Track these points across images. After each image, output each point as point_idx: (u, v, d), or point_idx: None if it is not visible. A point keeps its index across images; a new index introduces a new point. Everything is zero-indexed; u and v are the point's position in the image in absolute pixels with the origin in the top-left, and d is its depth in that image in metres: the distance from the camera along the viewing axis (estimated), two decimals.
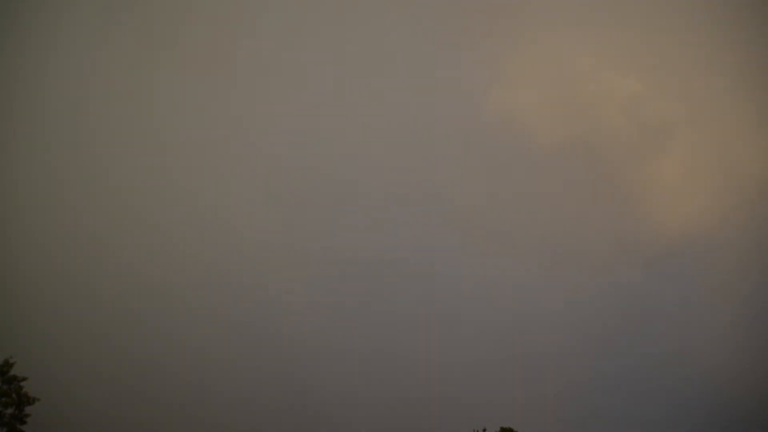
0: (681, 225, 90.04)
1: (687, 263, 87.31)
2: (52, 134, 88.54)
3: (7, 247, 79.78)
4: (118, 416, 69.28)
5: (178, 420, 70.70)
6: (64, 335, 73.18)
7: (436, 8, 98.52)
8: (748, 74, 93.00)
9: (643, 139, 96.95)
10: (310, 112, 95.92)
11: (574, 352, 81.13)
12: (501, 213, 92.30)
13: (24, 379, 50.81)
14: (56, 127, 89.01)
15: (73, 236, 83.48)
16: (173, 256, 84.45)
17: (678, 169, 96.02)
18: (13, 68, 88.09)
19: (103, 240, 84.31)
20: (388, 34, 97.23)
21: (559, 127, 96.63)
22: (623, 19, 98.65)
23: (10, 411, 50.13)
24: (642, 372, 79.93)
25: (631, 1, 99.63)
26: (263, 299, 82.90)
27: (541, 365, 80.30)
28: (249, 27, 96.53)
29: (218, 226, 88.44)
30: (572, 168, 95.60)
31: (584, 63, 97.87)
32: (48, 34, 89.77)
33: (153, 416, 70.24)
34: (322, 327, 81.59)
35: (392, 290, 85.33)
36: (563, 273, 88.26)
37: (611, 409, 75.46)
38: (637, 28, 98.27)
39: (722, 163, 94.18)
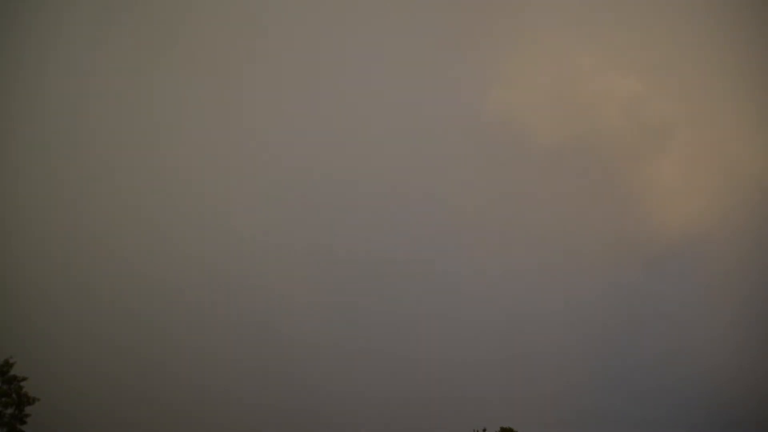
0: (681, 225, 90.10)
1: (687, 263, 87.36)
2: (52, 134, 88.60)
3: (7, 247, 79.83)
4: (119, 416, 69.32)
5: (178, 420, 70.72)
6: (64, 335, 73.22)
7: (436, 8, 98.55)
8: (748, 74, 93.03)
9: (643, 139, 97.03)
10: (310, 112, 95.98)
11: (573, 352, 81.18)
12: (501, 213, 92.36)
13: (24, 379, 50.79)
14: (56, 127, 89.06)
15: (73, 236, 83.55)
16: (173, 256, 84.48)
17: (678, 169, 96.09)
18: (13, 68, 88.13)
19: (103, 240, 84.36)
20: (388, 34, 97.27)
21: (559, 127, 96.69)
22: (623, 19, 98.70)
23: (10, 411, 50.12)
24: (642, 372, 79.99)
25: (631, 1, 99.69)
26: (263, 299, 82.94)
27: (540, 365, 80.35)
28: (249, 27, 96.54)
29: (218, 225, 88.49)
30: (572, 168, 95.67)
31: (584, 63, 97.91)
32: (48, 34, 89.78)
33: (153, 416, 70.28)
34: (322, 327, 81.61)
35: (392, 290, 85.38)
36: (563, 273, 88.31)
37: (611, 409, 75.49)
38: (637, 28, 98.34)
39: (722, 163, 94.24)
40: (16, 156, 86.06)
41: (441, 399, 75.32)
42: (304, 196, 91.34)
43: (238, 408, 74.00)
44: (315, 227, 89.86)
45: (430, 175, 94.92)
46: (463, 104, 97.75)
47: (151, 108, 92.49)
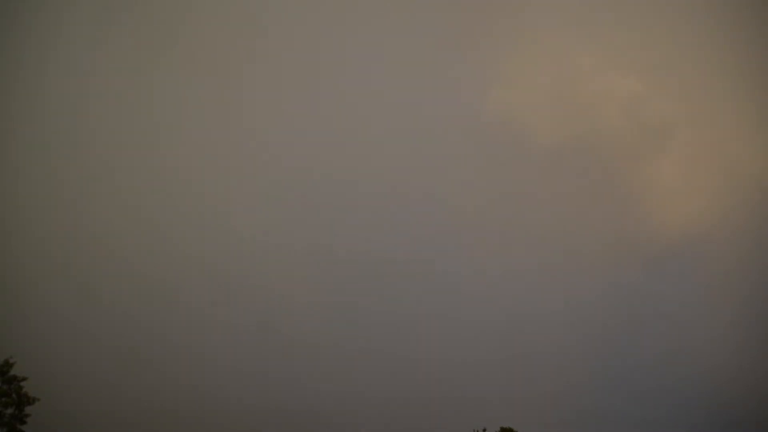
0: (681, 225, 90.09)
1: (687, 263, 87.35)
2: (52, 134, 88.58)
3: (7, 247, 79.82)
4: (119, 416, 69.32)
5: (178, 420, 70.72)
6: (64, 335, 73.20)
7: (436, 8, 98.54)
8: (748, 74, 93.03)
9: (643, 139, 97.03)
10: (310, 112, 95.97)
11: (573, 352, 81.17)
12: (501, 213, 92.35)
13: (24, 379, 50.84)
14: (56, 127, 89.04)
15: (73, 236, 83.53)
16: (173, 256, 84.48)
17: (678, 169, 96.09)
18: (13, 68, 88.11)
19: (103, 240, 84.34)
20: (388, 34, 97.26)
21: (559, 127, 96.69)
22: (623, 19, 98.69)
23: (10, 411, 50.16)
24: (642, 372, 79.98)
25: (631, 1, 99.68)
26: (263, 299, 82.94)
27: (540, 365, 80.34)
28: (249, 27, 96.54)
29: (218, 225, 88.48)
30: (572, 168, 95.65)
31: (584, 63, 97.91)
32: (48, 34, 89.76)
33: (153, 416, 70.28)
34: (322, 327, 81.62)
35: (392, 290, 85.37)
36: (563, 273, 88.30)
37: (611, 409, 75.48)
38: (637, 28, 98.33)
39: (722, 163, 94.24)
40: (16, 156, 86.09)
41: (441, 399, 75.34)
42: (304, 196, 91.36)
43: (238, 408, 73.99)
44: (315, 227, 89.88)
45: (430, 175, 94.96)
46: (463, 104, 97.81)
47: (151, 108, 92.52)
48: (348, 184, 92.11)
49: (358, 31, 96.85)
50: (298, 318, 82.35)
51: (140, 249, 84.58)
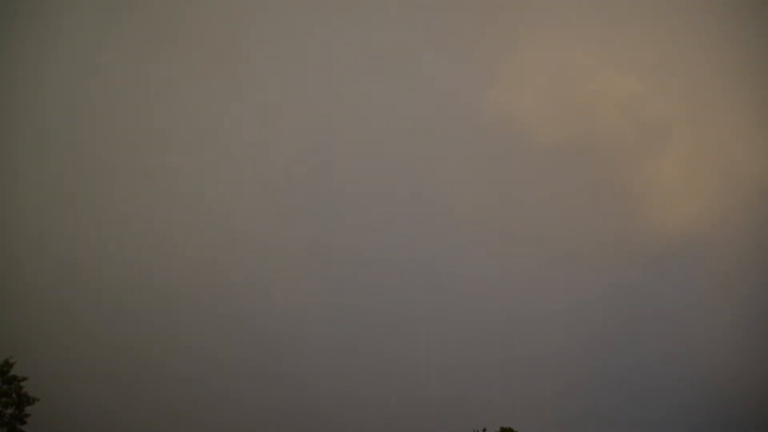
0: (681, 225, 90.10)
1: (687, 263, 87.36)
2: (52, 134, 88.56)
3: (7, 247, 79.82)
4: (119, 416, 69.32)
5: (178, 420, 70.73)
6: (63, 335, 73.22)
7: (436, 8, 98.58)
8: (748, 74, 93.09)
9: (643, 139, 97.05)
10: (310, 113, 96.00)
11: (573, 352, 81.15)
12: (501, 213, 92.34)
13: (24, 379, 50.86)
14: (56, 127, 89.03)
15: (74, 236, 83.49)
16: (173, 255, 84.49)
17: (678, 169, 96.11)
18: (13, 68, 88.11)
19: (103, 240, 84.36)
20: (388, 34, 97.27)
21: (559, 127, 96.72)
22: (623, 18, 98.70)
23: (10, 411, 50.17)
24: (642, 372, 79.96)
25: (631, 1, 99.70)
26: (263, 299, 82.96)
27: (540, 365, 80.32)
28: (249, 27, 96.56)
29: (218, 225, 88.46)
30: (572, 168, 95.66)
31: (584, 63, 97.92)
32: (48, 34, 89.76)
33: (153, 416, 70.31)
34: (322, 327, 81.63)
35: (392, 290, 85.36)
36: (563, 273, 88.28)
37: (611, 409, 75.48)
38: (637, 28, 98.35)
39: (722, 163, 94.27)
40: (16, 156, 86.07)
41: (441, 399, 75.34)
42: (304, 196, 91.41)
43: (238, 408, 74.01)
44: (315, 227, 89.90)
45: (430, 175, 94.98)
46: (463, 104, 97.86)
47: (151, 108, 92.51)
48: (348, 184, 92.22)
49: (358, 31, 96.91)
50: (298, 318, 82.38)
51: (140, 249, 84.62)
